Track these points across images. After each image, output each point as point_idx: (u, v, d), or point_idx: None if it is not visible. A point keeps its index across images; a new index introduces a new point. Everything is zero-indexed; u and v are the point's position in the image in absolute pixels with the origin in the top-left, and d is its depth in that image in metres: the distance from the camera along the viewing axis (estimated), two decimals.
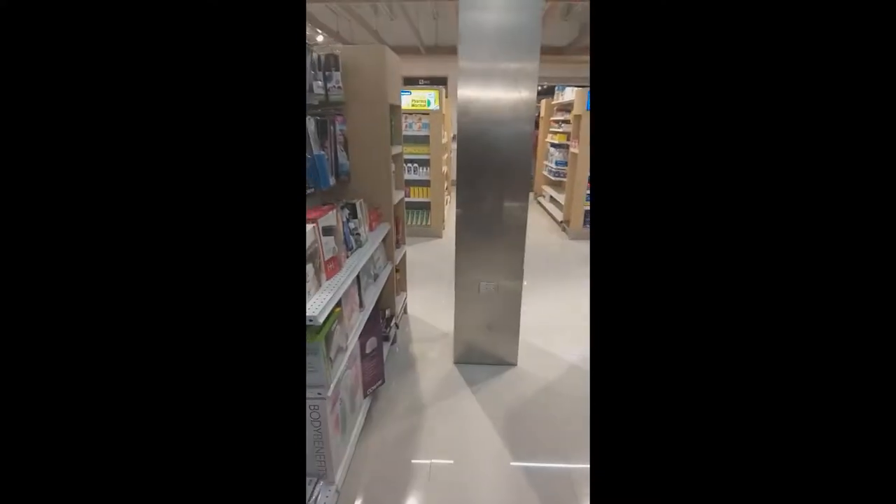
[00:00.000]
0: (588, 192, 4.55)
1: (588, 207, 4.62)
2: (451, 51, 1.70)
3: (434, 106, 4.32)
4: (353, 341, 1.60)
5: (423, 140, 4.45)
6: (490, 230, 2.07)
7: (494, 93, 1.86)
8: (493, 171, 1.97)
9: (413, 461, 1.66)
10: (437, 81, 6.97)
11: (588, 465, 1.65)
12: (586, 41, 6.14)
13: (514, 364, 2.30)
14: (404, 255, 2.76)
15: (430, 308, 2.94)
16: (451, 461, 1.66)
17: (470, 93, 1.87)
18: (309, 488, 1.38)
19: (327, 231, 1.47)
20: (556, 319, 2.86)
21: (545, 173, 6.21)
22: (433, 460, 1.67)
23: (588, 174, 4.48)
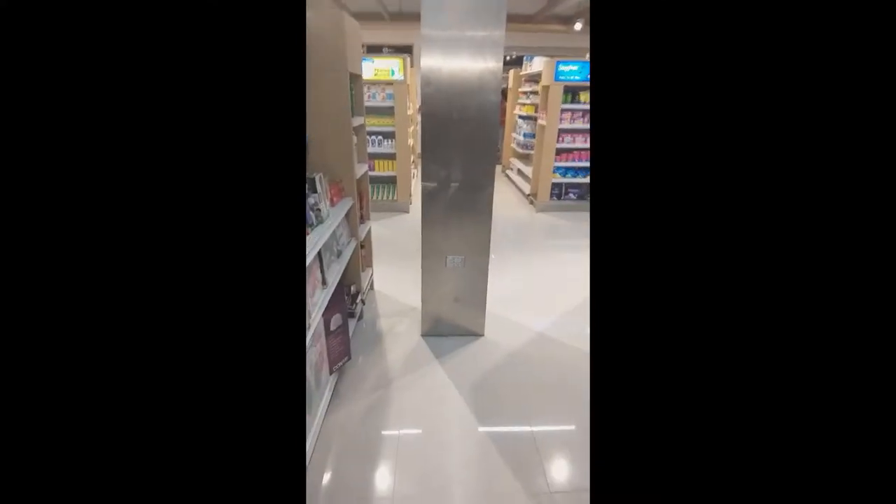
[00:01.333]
0: (555, 165, 4.60)
1: (555, 180, 4.68)
2: (417, 18, 1.62)
3: (398, 76, 4.17)
4: (316, 319, 1.58)
5: (388, 111, 4.31)
6: (456, 204, 2.06)
7: (460, 62, 1.81)
8: (458, 142, 1.94)
9: (382, 433, 1.69)
10: (403, 50, 6.71)
11: (551, 427, 1.74)
12: (555, 9, 6.04)
13: (481, 335, 2.36)
14: (369, 231, 2.72)
15: (397, 283, 2.93)
16: (420, 430, 1.71)
17: (433, 62, 1.80)
18: None
19: None
20: (523, 290, 2.93)
21: (513, 146, 6.21)
22: (402, 431, 1.70)
23: (555, 147, 4.51)
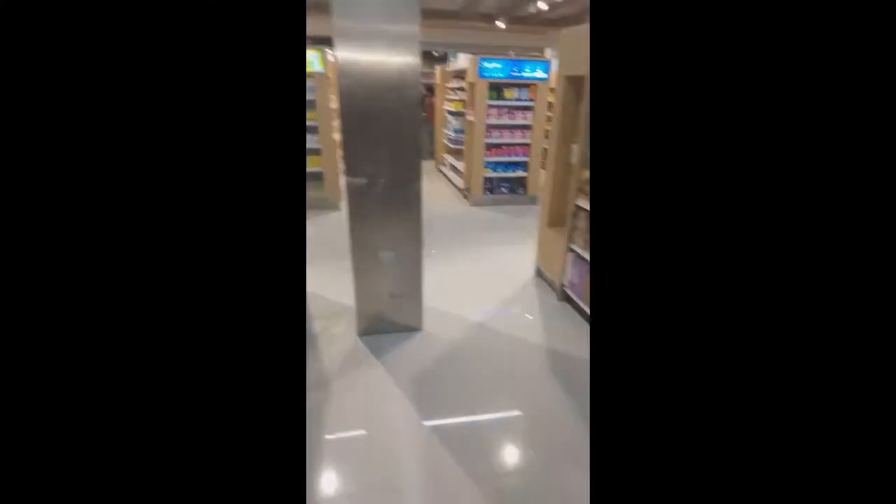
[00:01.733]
0: (486, 160, 4.71)
1: (487, 174, 4.79)
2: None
3: (318, 68, 4.02)
4: None
5: (309, 105, 4.13)
6: (384, 198, 2.03)
7: (376, 55, 1.78)
8: (381, 137, 1.91)
9: (325, 437, 1.63)
10: (323, 42, 6.48)
11: (496, 415, 1.78)
12: (479, 7, 6.18)
13: (419, 329, 2.36)
14: None
15: (331, 283, 2.84)
16: (364, 432, 1.68)
17: (350, 54, 1.76)
18: None
19: None
20: (460, 282, 2.98)
21: (445, 141, 6.26)
22: (343, 434, 1.66)
23: (484, 142, 4.61)
